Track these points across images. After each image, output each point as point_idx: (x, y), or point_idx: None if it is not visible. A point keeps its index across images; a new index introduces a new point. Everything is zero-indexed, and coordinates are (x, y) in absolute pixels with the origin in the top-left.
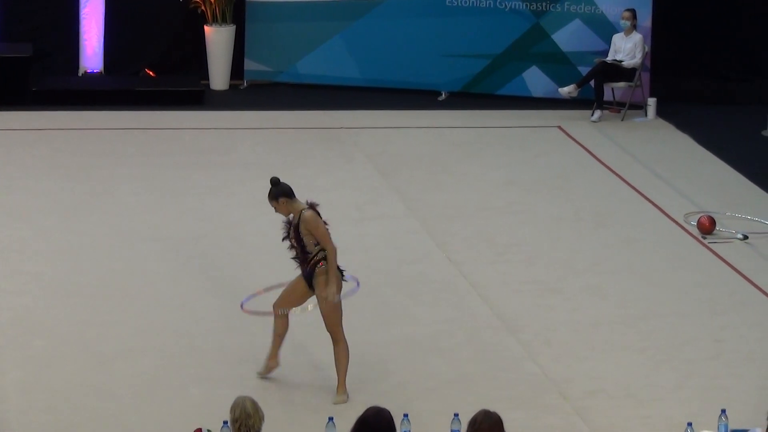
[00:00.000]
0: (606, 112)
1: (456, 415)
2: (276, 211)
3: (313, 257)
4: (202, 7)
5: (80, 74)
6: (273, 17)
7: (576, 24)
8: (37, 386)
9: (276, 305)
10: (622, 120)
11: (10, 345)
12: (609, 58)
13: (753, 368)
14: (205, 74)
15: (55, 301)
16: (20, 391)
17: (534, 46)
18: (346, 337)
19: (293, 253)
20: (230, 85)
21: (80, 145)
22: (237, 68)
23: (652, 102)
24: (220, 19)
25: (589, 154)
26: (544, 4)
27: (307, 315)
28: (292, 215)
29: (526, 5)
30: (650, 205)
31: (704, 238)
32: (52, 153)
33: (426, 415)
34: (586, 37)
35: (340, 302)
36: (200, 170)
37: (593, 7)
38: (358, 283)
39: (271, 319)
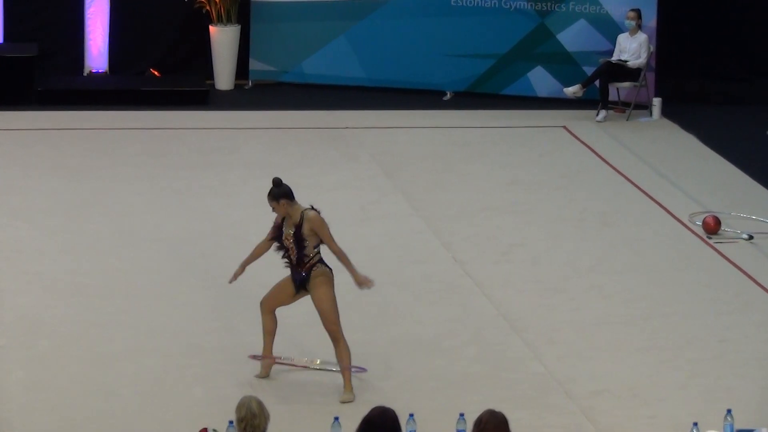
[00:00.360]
0: (611, 112)
1: (461, 414)
2: (274, 211)
3: (310, 260)
4: (207, 7)
5: (85, 74)
6: (278, 17)
7: (581, 24)
8: (41, 386)
9: (263, 303)
10: (627, 120)
11: (14, 345)
12: (614, 58)
13: (758, 368)
14: (210, 74)
15: (58, 301)
16: (24, 391)
17: (539, 46)
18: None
19: (284, 255)
20: (235, 85)
21: (85, 145)
22: (242, 68)
23: (657, 102)
24: (225, 19)
25: (594, 154)
26: (548, 4)
27: (308, 315)
28: (285, 218)
29: (531, 5)
30: (655, 205)
31: (709, 238)
32: (57, 153)
33: (431, 415)
34: (591, 37)
35: (335, 301)
36: (204, 170)
37: (598, 7)
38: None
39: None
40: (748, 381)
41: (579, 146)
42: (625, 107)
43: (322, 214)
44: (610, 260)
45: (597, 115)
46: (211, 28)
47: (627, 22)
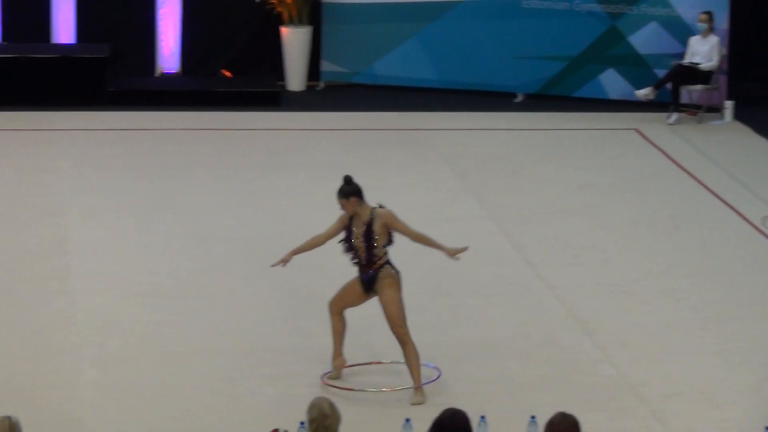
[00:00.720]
0: (683, 114)
1: (532, 417)
2: (342, 209)
3: (379, 260)
4: (279, 8)
5: (157, 75)
6: (349, 19)
7: (652, 26)
8: (113, 386)
9: (331, 305)
10: (699, 123)
11: (86, 344)
12: (686, 61)
13: None
14: (281, 75)
15: (131, 301)
16: (96, 391)
17: (610, 48)
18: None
19: (353, 255)
20: (307, 86)
21: (156, 146)
22: (313, 69)
23: (729, 105)
24: (296, 20)
25: (666, 157)
26: (620, 6)
27: (379, 317)
28: (353, 217)
29: (602, 7)
30: (727, 208)
31: None
32: (128, 153)
33: (502, 417)
34: (662, 40)
35: (403, 303)
36: (275, 171)
37: (670, 10)
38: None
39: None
40: None
41: (650, 149)
42: (696, 110)
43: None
44: (681, 263)
45: (669, 117)
46: (283, 30)
47: (699, 24)
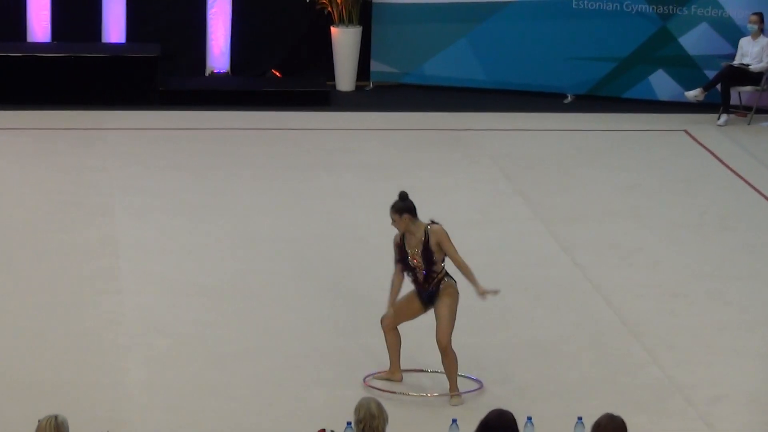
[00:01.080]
0: (733, 116)
1: (579, 418)
2: (393, 224)
3: (438, 275)
4: (329, 8)
5: (207, 74)
6: (399, 19)
7: (703, 27)
8: (159, 385)
9: (385, 322)
10: (748, 124)
11: (134, 345)
12: (736, 62)
13: None
14: (331, 75)
15: (178, 301)
16: (143, 391)
17: (660, 49)
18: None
19: (411, 274)
20: (356, 86)
21: (206, 146)
22: (363, 69)
23: None
24: (346, 20)
25: (715, 159)
26: (670, 7)
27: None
28: (404, 236)
29: (653, 8)
30: None
31: None
32: (178, 153)
33: (549, 419)
34: (712, 41)
35: (455, 314)
36: (324, 171)
37: (720, 11)
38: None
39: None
40: None
41: (700, 150)
42: (746, 111)
43: (442, 219)
44: (730, 265)
45: (718, 119)
46: (333, 30)
47: (749, 25)
